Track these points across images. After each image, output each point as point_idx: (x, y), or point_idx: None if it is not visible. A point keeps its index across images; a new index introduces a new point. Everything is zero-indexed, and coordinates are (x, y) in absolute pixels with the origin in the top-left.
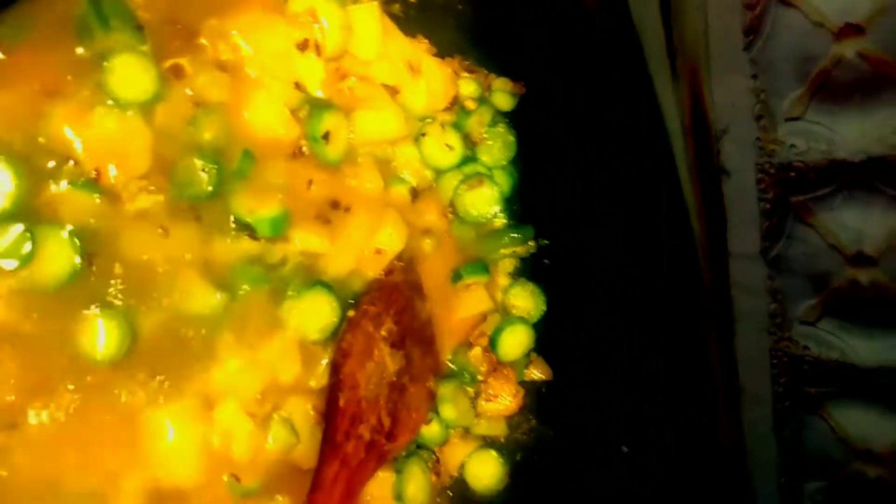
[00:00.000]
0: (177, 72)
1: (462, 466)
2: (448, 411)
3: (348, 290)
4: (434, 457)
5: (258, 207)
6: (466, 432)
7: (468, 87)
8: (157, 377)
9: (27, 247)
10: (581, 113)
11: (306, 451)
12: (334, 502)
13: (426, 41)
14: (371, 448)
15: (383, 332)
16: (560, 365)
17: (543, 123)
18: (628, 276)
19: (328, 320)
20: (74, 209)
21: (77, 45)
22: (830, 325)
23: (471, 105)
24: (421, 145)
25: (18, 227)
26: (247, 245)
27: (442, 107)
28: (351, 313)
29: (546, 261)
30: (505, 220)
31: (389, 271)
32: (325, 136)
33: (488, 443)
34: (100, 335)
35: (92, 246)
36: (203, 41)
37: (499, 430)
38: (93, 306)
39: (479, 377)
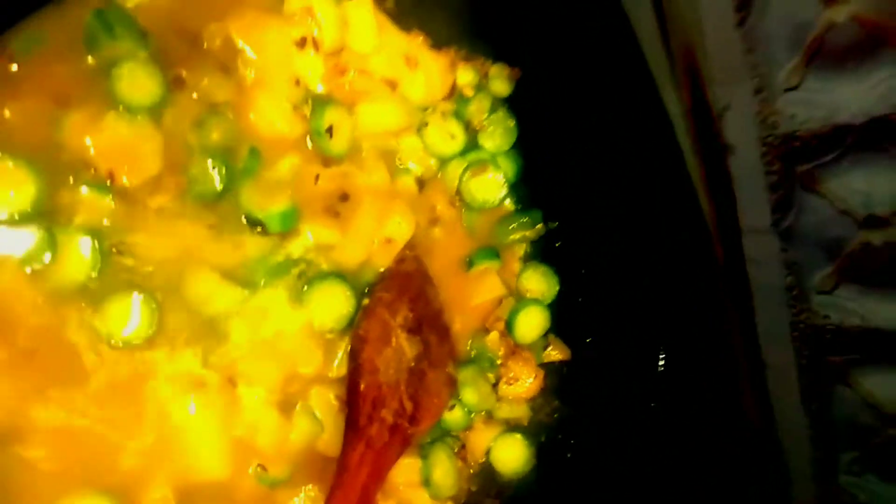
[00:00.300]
0: (178, 83)
1: (488, 451)
2: (469, 395)
3: (362, 281)
4: (459, 442)
5: (267, 203)
6: (489, 417)
7: (466, 76)
8: (182, 369)
9: (48, 249)
10: (579, 95)
11: (331, 439)
12: (361, 483)
13: (421, 34)
14: (395, 431)
15: (399, 319)
16: (579, 345)
17: (542, 107)
18: (640, 254)
19: (344, 310)
20: (91, 211)
21: (86, 54)
22: (848, 291)
23: (469, 92)
24: (423, 135)
25: (39, 230)
26: (259, 240)
27: (441, 96)
28: (366, 301)
29: (557, 243)
30: (513, 206)
31: (401, 260)
32: (329, 131)
33: (512, 426)
34: (130, 315)
35: (108, 245)
36: (205, 45)
37: (521, 412)
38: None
39: (498, 361)
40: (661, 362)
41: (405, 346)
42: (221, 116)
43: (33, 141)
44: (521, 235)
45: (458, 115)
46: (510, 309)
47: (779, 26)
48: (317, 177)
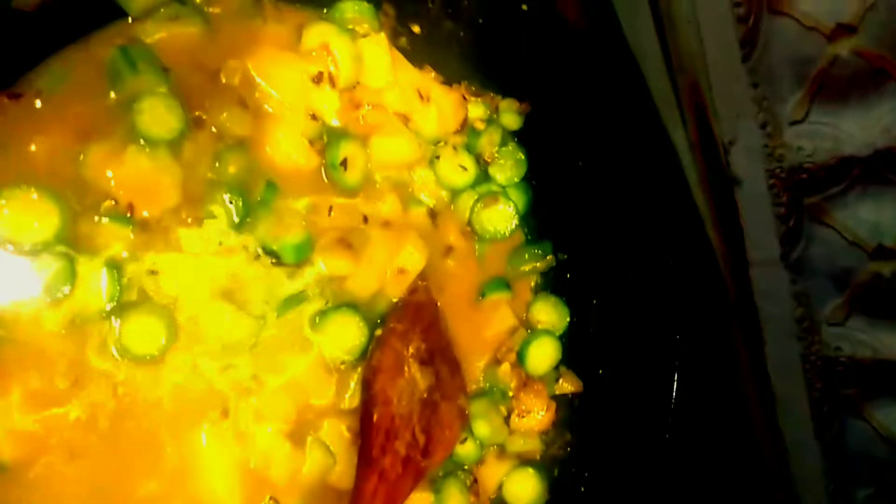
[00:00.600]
0: (198, 123)
1: (500, 486)
2: (481, 428)
3: (374, 312)
4: (471, 477)
5: (282, 234)
6: (502, 451)
7: (477, 110)
8: (194, 400)
9: (68, 279)
10: (587, 128)
11: (343, 472)
12: None
13: (433, 70)
14: (408, 464)
15: (411, 350)
16: (590, 377)
17: (552, 140)
18: (650, 285)
19: (356, 340)
20: (112, 241)
21: (109, 90)
22: (859, 322)
23: (480, 126)
24: (436, 167)
25: (60, 260)
26: (274, 271)
27: (453, 130)
28: (378, 332)
29: (568, 275)
30: (523, 237)
31: (413, 290)
32: (343, 164)
33: (525, 460)
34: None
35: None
36: (224, 80)
37: (534, 446)
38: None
39: (510, 393)
40: (674, 394)
41: (418, 377)
42: (239, 150)
43: (57, 173)
44: (531, 266)
45: (470, 148)
46: (522, 340)
47: (783, 60)
48: (330, 208)
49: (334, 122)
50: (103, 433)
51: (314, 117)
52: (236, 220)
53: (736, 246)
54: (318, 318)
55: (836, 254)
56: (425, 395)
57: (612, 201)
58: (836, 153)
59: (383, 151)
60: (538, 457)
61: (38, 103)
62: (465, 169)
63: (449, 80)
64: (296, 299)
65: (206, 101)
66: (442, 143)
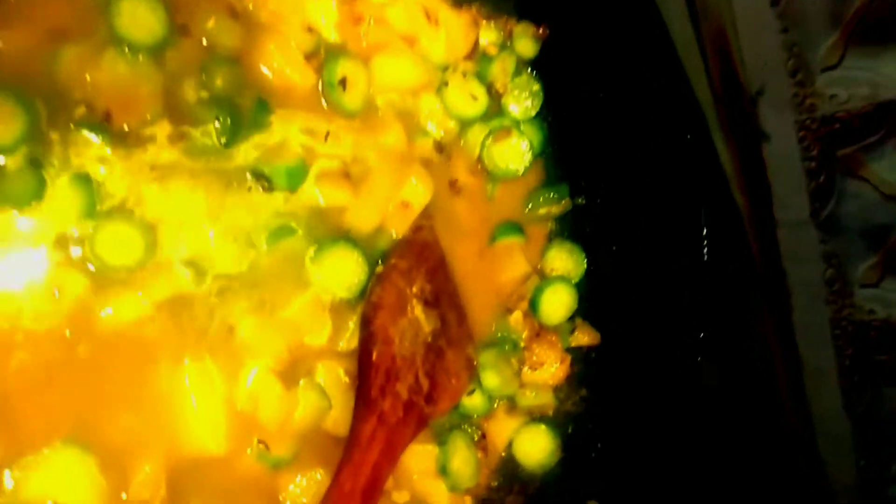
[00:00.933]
0: (184, 31)
1: (510, 443)
2: (490, 379)
3: (375, 248)
4: (479, 432)
5: (274, 158)
6: (512, 405)
7: (489, 34)
8: (180, 332)
9: (37, 191)
10: (607, 65)
11: (340, 418)
12: (372, 461)
13: None
14: (410, 409)
15: (415, 289)
16: (608, 329)
17: (570, 73)
18: (672, 235)
19: (355, 277)
20: (86, 151)
21: None
22: (895, 283)
23: (492, 52)
24: (443, 95)
25: (27, 167)
26: (264, 198)
27: (462, 55)
28: (379, 269)
29: (586, 221)
30: (537, 178)
31: (418, 228)
32: (342, 83)
33: (536, 416)
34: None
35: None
36: None
37: (546, 401)
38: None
39: (522, 344)
40: (697, 352)
41: (422, 319)
42: (228, 63)
43: (25, 74)
44: (546, 210)
45: (480, 76)
46: (534, 287)
47: (816, 2)
48: (327, 133)
49: (332, 37)
50: (84, 360)
51: (311, 30)
52: (223, 139)
53: (762, 205)
54: (313, 252)
55: (870, 209)
56: (430, 340)
57: (633, 144)
58: (874, 99)
59: (386, 73)
60: (551, 412)
61: None
62: (475, 98)
63: (459, 1)
64: (288, 230)
65: (192, 6)
66: (450, 69)
